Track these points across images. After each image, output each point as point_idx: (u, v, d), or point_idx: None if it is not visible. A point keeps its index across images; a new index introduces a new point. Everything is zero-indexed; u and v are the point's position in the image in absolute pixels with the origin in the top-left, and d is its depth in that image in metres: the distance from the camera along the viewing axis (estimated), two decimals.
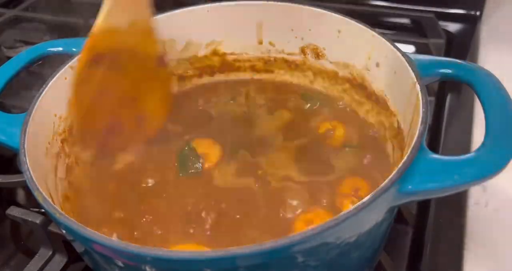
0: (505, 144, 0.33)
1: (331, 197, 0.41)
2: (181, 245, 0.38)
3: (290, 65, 0.53)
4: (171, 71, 0.53)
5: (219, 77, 0.56)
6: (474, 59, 0.66)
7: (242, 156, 0.45)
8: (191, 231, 0.39)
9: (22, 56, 0.47)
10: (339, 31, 0.48)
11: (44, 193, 0.34)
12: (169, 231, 0.39)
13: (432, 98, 0.61)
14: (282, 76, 0.55)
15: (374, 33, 0.45)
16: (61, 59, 0.67)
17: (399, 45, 0.43)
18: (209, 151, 0.46)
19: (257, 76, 0.55)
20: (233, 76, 0.56)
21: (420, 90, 0.37)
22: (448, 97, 0.62)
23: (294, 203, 0.40)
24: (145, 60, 0.45)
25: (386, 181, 0.31)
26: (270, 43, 0.53)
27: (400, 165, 0.32)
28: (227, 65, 0.55)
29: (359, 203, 0.29)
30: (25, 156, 0.36)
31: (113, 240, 0.29)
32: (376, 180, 0.42)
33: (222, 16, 0.52)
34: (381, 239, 0.38)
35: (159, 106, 0.48)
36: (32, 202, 0.54)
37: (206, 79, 0.55)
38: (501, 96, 0.37)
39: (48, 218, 0.45)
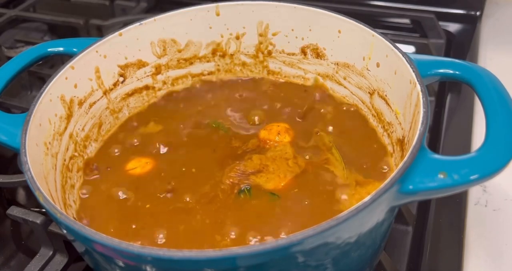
0: (505, 144, 0.33)
1: None
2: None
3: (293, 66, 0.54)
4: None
5: (219, 76, 0.56)
6: (474, 59, 0.66)
7: None
8: None
9: (22, 56, 0.47)
10: (339, 31, 0.48)
11: (44, 193, 0.34)
12: None
13: (432, 98, 0.62)
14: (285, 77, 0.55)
15: (374, 33, 0.45)
16: (61, 59, 0.67)
17: (399, 45, 0.43)
18: None
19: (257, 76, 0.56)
20: (232, 76, 0.56)
21: (421, 90, 0.37)
22: (448, 97, 0.62)
23: None
24: None
25: (387, 181, 0.31)
26: (271, 44, 0.53)
27: (401, 165, 0.32)
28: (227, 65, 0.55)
29: (360, 203, 0.29)
30: (26, 156, 0.36)
31: (114, 239, 0.29)
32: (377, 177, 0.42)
33: (222, 16, 0.52)
34: (382, 239, 0.38)
35: None
36: (32, 202, 0.54)
37: (206, 78, 0.56)
38: (501, 96, 0.37)
39: (48, 218, 0.45)
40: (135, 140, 0.49)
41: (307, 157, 0.45)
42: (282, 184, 0.42)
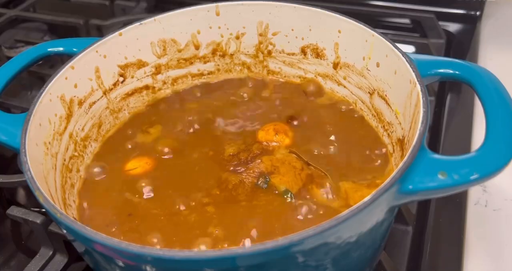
0: (505, 144, 0.33)
1: None
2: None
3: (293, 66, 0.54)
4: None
5: (219, 76, 0.56)
6: (474, 59, 0.66)
7: None
8: None
9: (22, 56, 0.47)
10: (339, 31, 0.48)
11: (44, 193, 0.34)
12: None
13: (432, 98, 0.62)
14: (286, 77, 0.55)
15: (374, 33, 0.45)
16: (61, 59, 0.67)
17: (399, 45, 0.43)
18: None
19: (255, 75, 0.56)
20: (232, 76, 0.56)
21: (421, 90, 0.37)
22: (448, 97, 0.62)
23: None
24: None
25: (387, 180, 0.31)
26: (271, 43, 0.53)
27: (401, 165, 0.32)
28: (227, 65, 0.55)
29: (360, 203, 0.29)
30: (25, 155, 0.36)
31: (114, 239, 0.29)
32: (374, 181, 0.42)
33: (222, 16, 0.52)
34: (382, 239, 0.38)
35: None
36: (32, 202, 0.54)
37: (206, 78, 0.56)
38: (501, 96, 0.37)
39: (48, 218, 0.45)
40: (135, 140, 0.49)
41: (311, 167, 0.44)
42: (295, 192, 0.42)
